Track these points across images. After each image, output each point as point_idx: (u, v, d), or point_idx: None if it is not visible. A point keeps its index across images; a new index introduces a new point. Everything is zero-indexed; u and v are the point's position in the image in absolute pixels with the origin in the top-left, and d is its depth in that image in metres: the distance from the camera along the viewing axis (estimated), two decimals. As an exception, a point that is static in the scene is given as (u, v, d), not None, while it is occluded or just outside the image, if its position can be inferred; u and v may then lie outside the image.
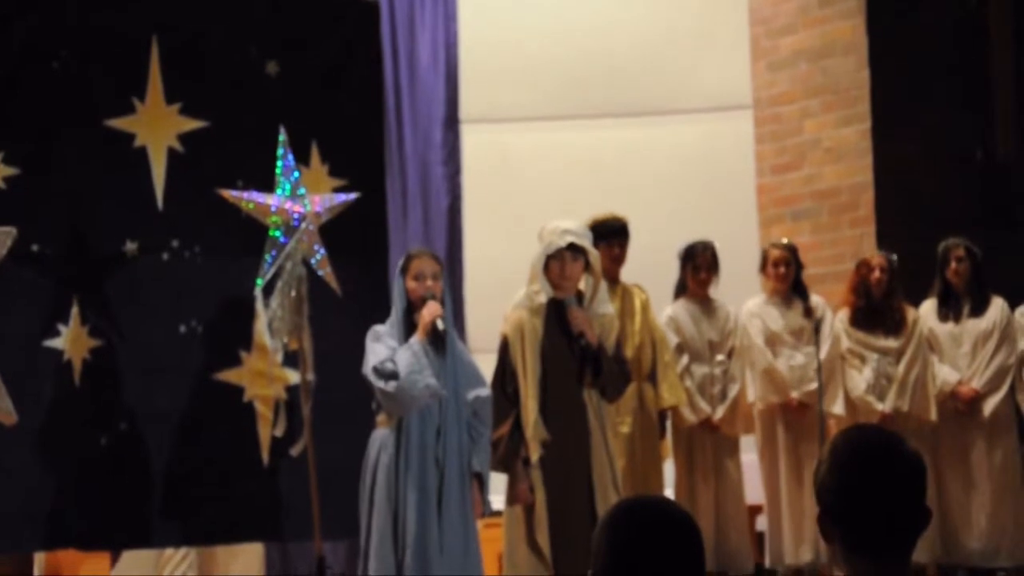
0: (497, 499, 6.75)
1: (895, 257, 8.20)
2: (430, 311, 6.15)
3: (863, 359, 8.14)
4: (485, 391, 6.36)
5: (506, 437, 6.31)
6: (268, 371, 6.85)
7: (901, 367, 8.08)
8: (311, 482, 6.59)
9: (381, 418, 6.27)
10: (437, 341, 6.18)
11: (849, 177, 9.42)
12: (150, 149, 6.74)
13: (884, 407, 8.02)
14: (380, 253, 7.37)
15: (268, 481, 6.91)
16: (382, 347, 6.17)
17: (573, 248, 6.35)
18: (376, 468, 6.20)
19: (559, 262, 6.36)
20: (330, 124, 7.22)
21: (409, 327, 6.22)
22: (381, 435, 6.24)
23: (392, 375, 6.08)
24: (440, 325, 6.16)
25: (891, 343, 8.13)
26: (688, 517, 2.68)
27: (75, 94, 6.57)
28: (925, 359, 8.10)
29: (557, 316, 6.38)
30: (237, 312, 6.82)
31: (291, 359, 6.83)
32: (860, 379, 8.08)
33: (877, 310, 8.15)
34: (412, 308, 6.24)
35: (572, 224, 6.49)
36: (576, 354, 6.35)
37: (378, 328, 6.27)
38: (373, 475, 6.20)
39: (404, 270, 6.30)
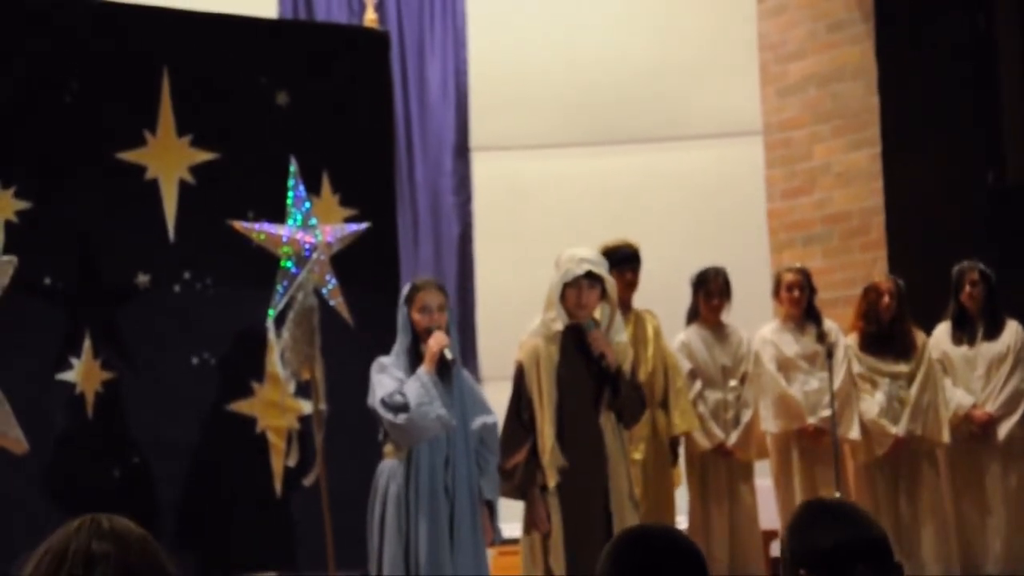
0: (514, 526, 6.73)
1: (902, 281, 8.18)
2: (437, 341, 6.14)
3: (874, 384, 8.12)
4: (491, 418, 6.38)
5: (522, 464, 6.31)
6: (280, 401, 6.85)
7: (913, 390, 8.05)
8: (324, 512, 6.58)
9: (388, 448, 6.27)
10: (444, 371, 6.18)
11: (860, 201, 9.42)
12: (161, 181, 6.76)
13: (897, 430, 8.00)
14: (392, 282, 7.37)
15: (281, 511, 6.91)
16: (388, 379, 6.16)
17: (590, 276, 6.35)
18: (385, 499, 6.19)
19: (576, 290, 6.35)
20: (341, 154, 7.23)
21: (415, 358, 6.22)
22: (389, 466, 6.23)
23: (402, 407, 6.07)
24: (448, 355, 6.16)
25: (902, 367, 8.11)
26: (693, 546, 2.70)
27: (86, 127, 6.60)
28: (936, 382, 8.08)
29: (574, 342, 6.38)
30: (249, 343, 6.83)
31: (303, 389, 6.84)
32: (873, 403, 8.06)
33: (886, 335, 8.13)
34: (418, 339, 6.24)
35: (589, 252, 6.49)
36: (594, 377, 6.35)
37: (383, 360, 6.26)
38: (383, 506, 6.19)
39: (409, 301, 6.29)
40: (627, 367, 6.43)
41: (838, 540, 2.75)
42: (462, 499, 6.20)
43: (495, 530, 6.42)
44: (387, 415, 6.08)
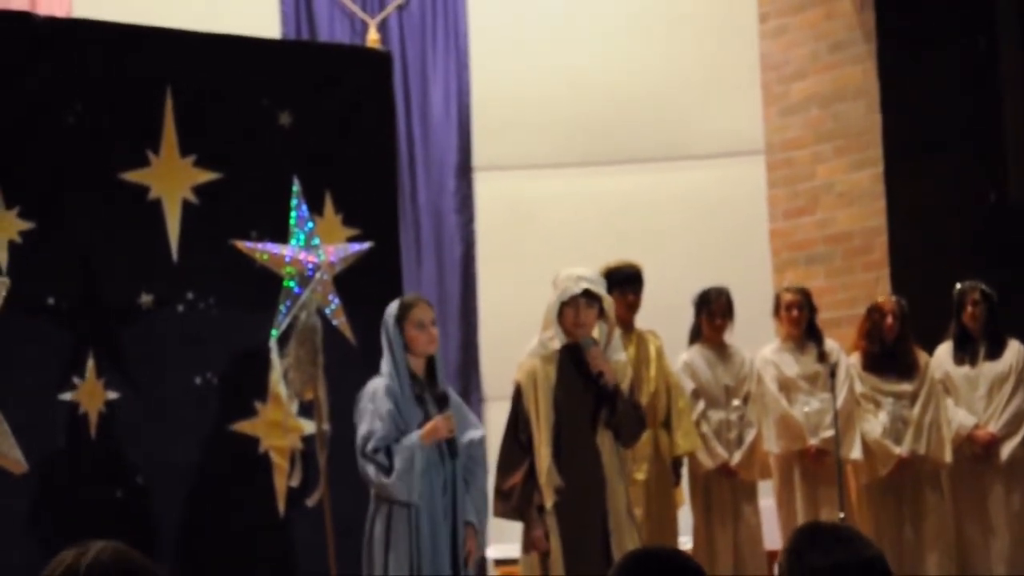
0: (513, 547, 6.73)
1: (905, 301, 8.19)
2: (447, 428, 6.16)
3: (877, 403, 8.12)
4: (478, 433, 6.39)
5: (520, 485, 6.30)
6: (283, 421, 6.84)
7: (916, 410, 8.05)
8: (327, 532, 6.57)
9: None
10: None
11: (862, 221, 9.43)
12: (165, 201, 6.76)
13: (901, 450, 7.99)
14: (395, 302, 7.37)
15: (284, 532, 6.90)
16: (372, 416, 6.15)
17: (588, 295, 6.35)
18: (389, 518, 6.17)
19: (573, 309, 6.35)
20: (343, 174, 7.24)
21: (414, 378, 6.23)
22: None
23: (384, 469, 6.08)
24: (452, 450, 6.22)
25: (905, 387, 8.11)
26: (698, 568, 2.70)
27: (89, 147, 6.60)
28: (939, 402, 8.07)
29: (572, 361, 6.37)
30: (252, 363, 6.82)
31: (306, 409, 6.83)
32: (876, 423, 8.06)
33: (889, 354, 8.14)
34: (415, 358, 6.26)
35: (586, 271, 6.49)
36: (592, 396, 6.35)
37: (376, 384, 6.24)
38: (386, 524, 6.18)
39: (401, 319, 6.29)
40: (625, 386, 6.42)
41: (836, 561, 2.76)
42: (460, 524, 6.24)
43: (479, 547, 6.42)
44: (368, 467, 6.11)
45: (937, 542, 7.94)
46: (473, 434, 6.38)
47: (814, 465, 7.98)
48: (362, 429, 6.14)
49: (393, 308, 6.33)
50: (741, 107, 9.94)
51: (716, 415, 8.09)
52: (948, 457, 8.00)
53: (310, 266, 6.62)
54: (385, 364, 6.28)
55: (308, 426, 6.86)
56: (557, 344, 6.37)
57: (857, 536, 2.84)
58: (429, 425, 6.15)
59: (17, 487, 6.17)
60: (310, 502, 6.75)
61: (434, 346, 6.30)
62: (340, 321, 6.79)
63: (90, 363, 6.49)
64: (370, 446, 6.10)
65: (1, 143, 6.41)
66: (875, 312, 8.18)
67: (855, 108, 9.47)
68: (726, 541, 8.00)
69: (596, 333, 6.45)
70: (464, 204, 9.98)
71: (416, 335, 6.25)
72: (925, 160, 9.30)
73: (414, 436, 6.12)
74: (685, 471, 8.06)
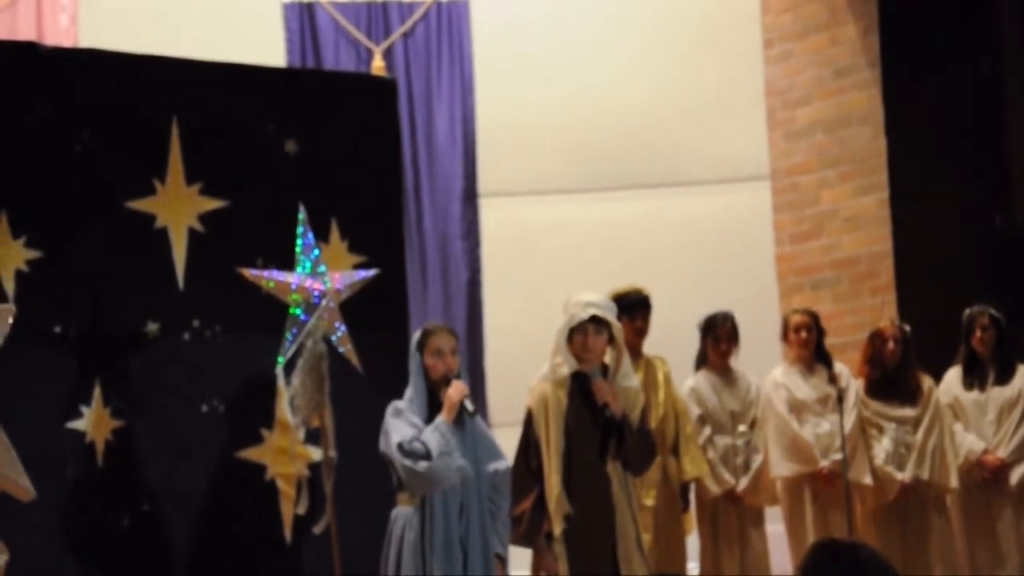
0: (523, 574, 6.71)
1: (908, 327, 8.18)
2: (458, 391, 6.14)
3: (881, 429, 8.10)
4: (503, 464, 6.35)
5: (529, 511, 6.28)
6: (290, 449, 6.84)
7: (919, 435, 8.04)
8: (334, 559, 6.56)
9: (402, 496, 6.24)
10: (458, 418, 6.17)
11: (868, 246, 9.43)
12: (171, 230, 6.77)
13: (904, 476, 7.97)
14: (401, 328, 7.36)
15: (291, 559, 6.89)
16: (404, 424, 6.13)
17: (596, 321, 6.34)
18: (401, 546, 6.15)
19: (582, 335, 6.33)
20: (349, 201, 7.25)
21: (432, 404, 6.21)
22: (405, 513, 6.19)
23: (423, 455, 6.04)
24: (469, 407, 6.16)
25: (908, 412, 8.10)
26: None
27: (96, 176, 6.61)
28: (943, 427, 8.06)
29: (581, 389, 6.36)
30: (259, 390, 6.82)
31: (313, 436, 6.82)
32: (879, 449, 8.05)
33: (892, 380, 8.13)
34: (434, 386, 6.24)
35: (596, 297, 6.47)
36: (600, 426, 6.32)
37: (398, 404, 6.24)
38: (398, 553, 6.16)
39: (421, 346, 6.28)
40: (638, 412, 6.40)
41: None
42: (474, 548, 6.18)
43: None
44: (406, 461, 6.04)
45: (942, 566, 7.92)
46: (498, 464, 6.35)
47: (825, 487, 7.96)
48: (395, 438, 6.10)
49: (417, 335, 6.34)
50: (746, 132, 9.95)
51: (722, 441, 8.08)
52: (954, 482, 7.98)
53: (316, 293, 6.62)
54: (408, 389, 6.29)
55: (315, 453, 6.85)
56: (566, 370, 6.36)
57: (875, 557, 2.82)
58: (446, 404, 6.13)
59: (25, 516, 6.15)
60: (317, 529, 6.74)
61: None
62: (346, 348, 6.79)
63: (97, 391, 6.49)
64: (405, 442, 6.06)
65: (8, 172, 6.41)
66: (877, 338, 8.18)
67: (860, 133, 9.49)
68: (733, 567, 7.98)
69: (608, 359, 6.43)
70: (470, 230, 9.99)
71: (433, 363, 6.24)
72: (930, 185, 9.31)
73: (438, 420, 6.10)
74: (693, 496, 8.05)
